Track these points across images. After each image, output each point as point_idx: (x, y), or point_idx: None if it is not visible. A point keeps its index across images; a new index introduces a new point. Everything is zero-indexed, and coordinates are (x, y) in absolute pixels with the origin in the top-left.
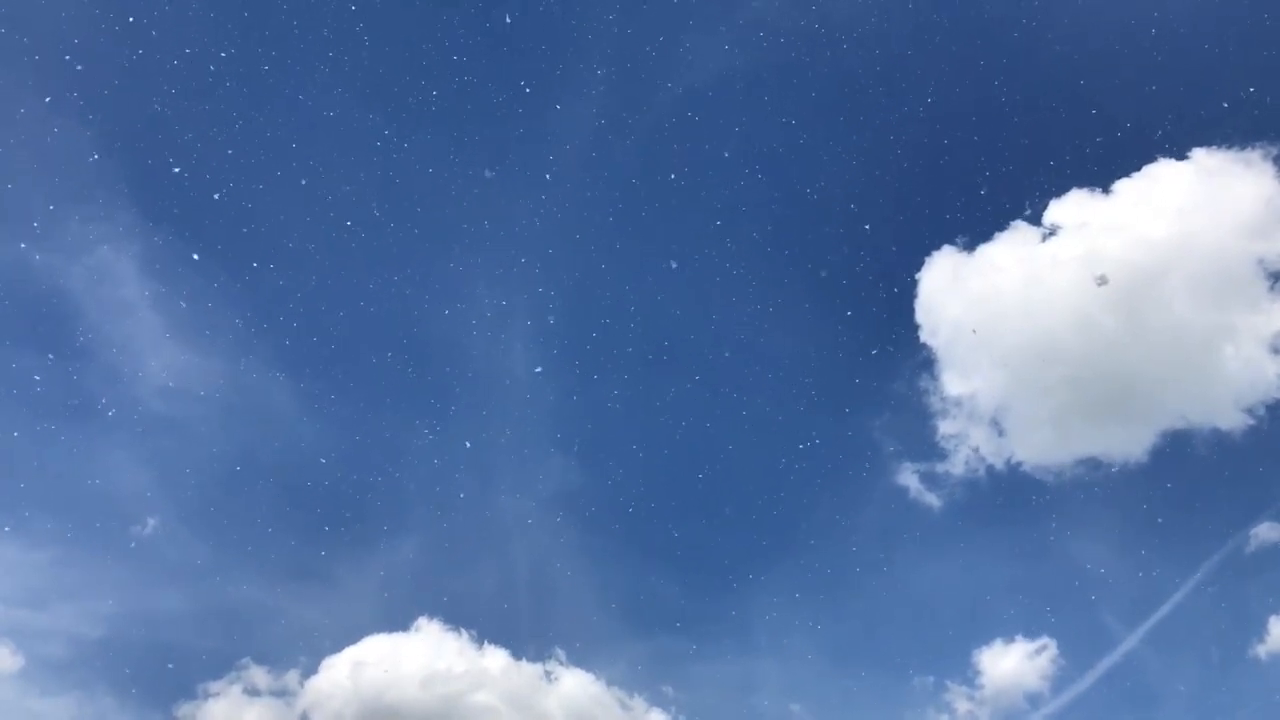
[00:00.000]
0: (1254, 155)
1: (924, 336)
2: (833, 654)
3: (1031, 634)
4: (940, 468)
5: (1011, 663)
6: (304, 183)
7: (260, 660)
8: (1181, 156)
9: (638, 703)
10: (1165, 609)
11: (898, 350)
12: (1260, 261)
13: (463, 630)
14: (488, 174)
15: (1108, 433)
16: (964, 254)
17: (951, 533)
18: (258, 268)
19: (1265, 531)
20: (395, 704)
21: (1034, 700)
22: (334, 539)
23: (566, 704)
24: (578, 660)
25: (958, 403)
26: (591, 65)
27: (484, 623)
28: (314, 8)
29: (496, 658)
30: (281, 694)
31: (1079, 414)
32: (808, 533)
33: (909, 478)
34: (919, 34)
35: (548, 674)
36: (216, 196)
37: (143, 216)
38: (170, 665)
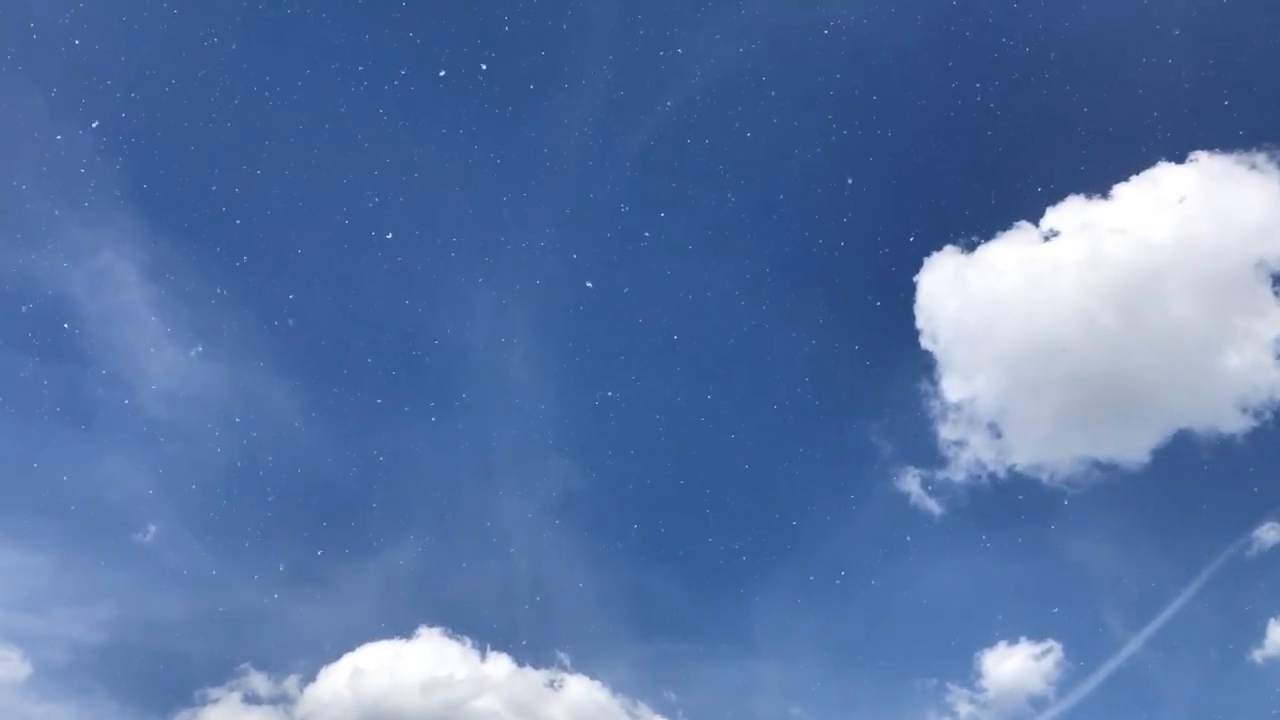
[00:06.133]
0: (1257, 158)
1: (924, 341)
2: (834, 657)
3: (1036, 636)
4: (941, 473)
5: (1015, 665)
6: (305, 186)
7: (260, 666)
8: (1182, 160)
9: (643, 710)
10: (1168, 612)
11: (897, 354)
12: (1262, 264)
13: (465, 637)
14: (491, 180)
15: (1110, 435)
16: (964, 254)
17: (954, 536)
18: (259, 272)
19: (1267, 534)
20: (395, 711)
21: (1038, 703)
22: (335, 545)
23: (571, 710)
24: (581, 666)
25: (958, 407)
26: (591, 66)
27: (486, 629)
28: (315, 10)
29: (499, 664)
30: (280, 701)
31: (1081, 417)
32: (809, 537)
33: (910, 482)
34: (918, 34)
35: (552, 681)
36: (218, 200)
37: (144, 220)
38: (170, 671)
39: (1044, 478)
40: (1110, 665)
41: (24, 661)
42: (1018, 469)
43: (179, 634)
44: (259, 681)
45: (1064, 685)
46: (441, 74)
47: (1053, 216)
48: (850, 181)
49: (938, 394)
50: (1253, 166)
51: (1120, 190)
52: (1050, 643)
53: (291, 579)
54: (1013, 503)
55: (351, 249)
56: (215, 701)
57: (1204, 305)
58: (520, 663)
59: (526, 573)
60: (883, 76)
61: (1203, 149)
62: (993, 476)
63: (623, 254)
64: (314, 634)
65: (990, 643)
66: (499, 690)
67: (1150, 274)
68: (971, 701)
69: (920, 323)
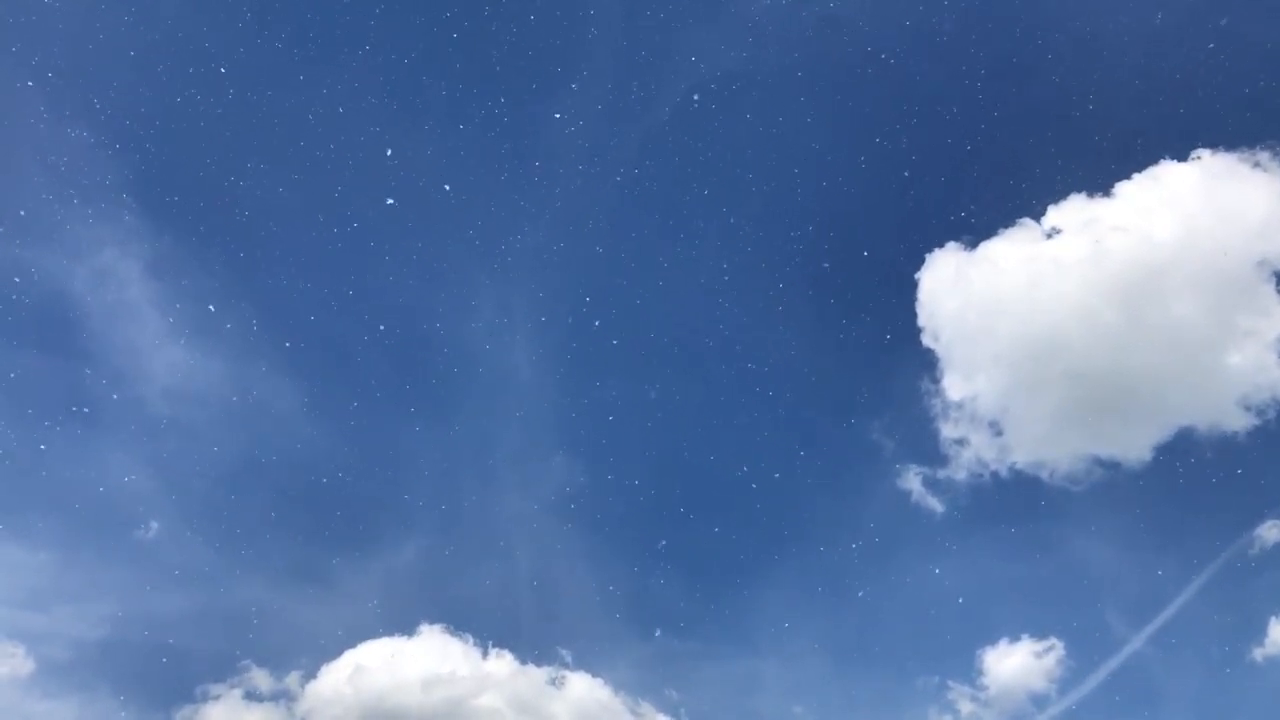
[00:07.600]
0: (1260, 156)
1: (925, 339)
2: (836, 655)
3: (1037, 634)
4: (943, 471)
5: (1016, 663)
6: (308, 185)
7: (261, 663)
8: (1185, 158)
9: (645, 708)
10: (1170, 610)
11: (899, 352)
12: (1264, 262)
13: (467, 634)
14: (489, 174)
15: (1113, 433)
16: (966, 252)
17: (956, 534)
18: (261, 270)
19: (1269, 532)
20: (397, 708)
21: (1039, 701)
22: (336, 542)
23: (573, 707)
24: (583, 664)
25: (960, 405)
26: (592, 65)
27: (488, 627)
28: (318, 11)
29: (501, 662)
30: (282, 697)
31: (1083, 415)
32: (811, 535)
33: (912, 480)
34: (920, 31)
35: (553, 679)
36: (220, 198)
37: (147, 218)
38: (172, 668)
39: (1045, 476)
40: (1112, 663)
41: (27, 658)
42: (1019, 467)
43: (181, 630)
44: (260, 678)
45: (1065, 683)
46: (443, 74)
47: (1055, 214)
48: (851, 179)
49: (939, 392)
50: (1256, 164)
51: (1123, 188)
52: (1052, 640)
53: (293, 576)
54: (1014, 501)
55: (353, 247)
56: (217, 698)
57: (1206, 303)
58: (522, 660)
59: (528, 570)
60: (885, 74)
61: (1205, 147)
62: (994, 474)
63: (624, 253)
64: (315, 631)
65: (992, 640)
66: (501, 688)
67: (1153, 272)
68: (973, 699)
69: (922, 320)
